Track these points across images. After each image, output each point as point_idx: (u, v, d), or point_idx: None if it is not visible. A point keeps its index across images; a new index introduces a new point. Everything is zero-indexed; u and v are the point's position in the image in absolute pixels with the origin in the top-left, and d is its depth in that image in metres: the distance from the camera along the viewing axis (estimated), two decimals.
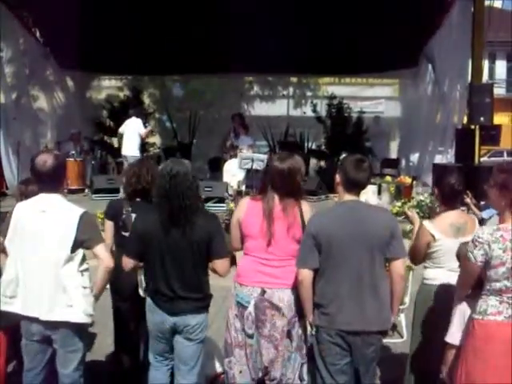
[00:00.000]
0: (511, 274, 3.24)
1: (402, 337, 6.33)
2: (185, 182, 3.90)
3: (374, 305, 3.79)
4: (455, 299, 3.75)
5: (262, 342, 4.14)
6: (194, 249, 3.92)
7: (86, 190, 13.19)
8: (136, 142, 12.41)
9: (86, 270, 4.03)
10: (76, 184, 13.35)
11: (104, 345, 5.90)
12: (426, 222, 4.39)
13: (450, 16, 13.29)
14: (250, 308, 4.12)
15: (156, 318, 4.06)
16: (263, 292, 4.09)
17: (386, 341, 5.99)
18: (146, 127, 13.10)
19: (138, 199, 4.77)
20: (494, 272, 3.28)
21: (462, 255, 3.60)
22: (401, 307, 6.22)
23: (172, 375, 4.27)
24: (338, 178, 3.96)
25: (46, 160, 3.89)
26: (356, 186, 3.89)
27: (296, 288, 4.08)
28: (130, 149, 12.37)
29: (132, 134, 12.44)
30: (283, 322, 4.10)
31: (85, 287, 4.00)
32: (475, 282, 3.44)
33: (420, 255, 4.38)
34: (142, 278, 4.35)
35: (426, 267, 4.46)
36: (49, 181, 3.93)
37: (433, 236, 4.22)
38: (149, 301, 4.11)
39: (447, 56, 13.25)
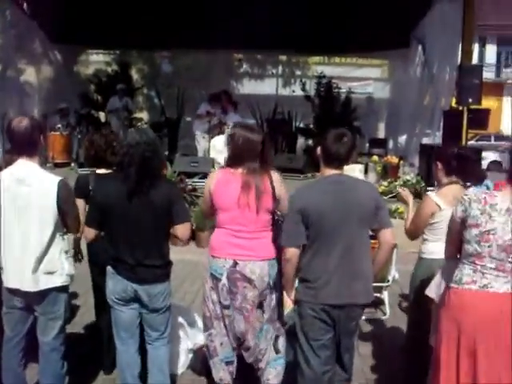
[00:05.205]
0: (483, 239, 3.26)
1: (384, 314, 6.37)
2: (147, 150, 3.93)
3: (359, 278, 3.78)
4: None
5: (234, 314, 4.18)
6: (155, 215, 3.93)
7: (72, 164, 13.10)
8: None
9: (65, 233, 4.07)
10: (62, 158, 13.26)
11: (86, 317, 5.91)
12: (430, 193, 4.42)
13: None
14: (224, 280, 4.13)
15: (117, 285, 4.05)
16: (235, 264, 4.10)
17: (369, 317, 6.09)
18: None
19: (99, 171, 4.82)
20: (468, 233, 3.31)
21: None
22: (384, 285, 6.28)
23: (141, 350, 4.27)
24: (318, 150, 3.94)
25: (20, 121, 3.86)
26: (335, 160, 3.83)
27: (269, 260, 4.12)
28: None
29: None
30: (254, 293, 4.12)
31: (66, 251, 4.05)
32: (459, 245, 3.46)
33: (421, 227, 4.36)
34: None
35: (425, 241, 4.45)
36: (23, 143, 3.87)
37: (438, 206, 4.22)
38: (109, 269, 4.10)
39: (437, 37, 13.15)
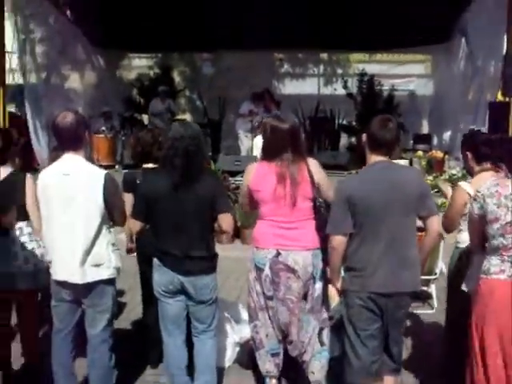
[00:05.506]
0: (506, 231, 3.25)
1: (432, 308, 6.26)
2: (191, 145, 3.95)
3: (407, 266, 3.72)
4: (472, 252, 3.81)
5: (278, 305, 4.15)
6: (199, 208, 3.96)
7: (117, 166, 13.28)
8: None
9: (112, 226, 4.11)
10: (106, 160, 13.41)
11: (132, 314, 5.97)
12: (462, 183, 4.34)
13: None
14: (267, 270, 4.12)
15: (163, 277, 4.08)
16: (278, 254, 4.09)
17: (416, 311, 5.98)
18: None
19: (146, 166, 4.87)
20: (490, 228, 3.32)
21: None
22: (431, 278, 6.17)
23: (188, 342, 4.28)
24: (364, 137, 3.89)
25: (65, 116, 3.90)
26: (382, 146, 3.78)
27: (313, 250, 4.10)
28: None
29: None
30: (299, 284, 4.10)
31: (113, 243, 4.07)
32: (482, 239, 3.46)
33: (456, 218, 4.27)
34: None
35: (460, 230, 4.37)
36: (68, 137, 3.91)
37: (470, 195, 4.14)
38: (156, 261, 4.13)
39: (482, 28, 12.83)
